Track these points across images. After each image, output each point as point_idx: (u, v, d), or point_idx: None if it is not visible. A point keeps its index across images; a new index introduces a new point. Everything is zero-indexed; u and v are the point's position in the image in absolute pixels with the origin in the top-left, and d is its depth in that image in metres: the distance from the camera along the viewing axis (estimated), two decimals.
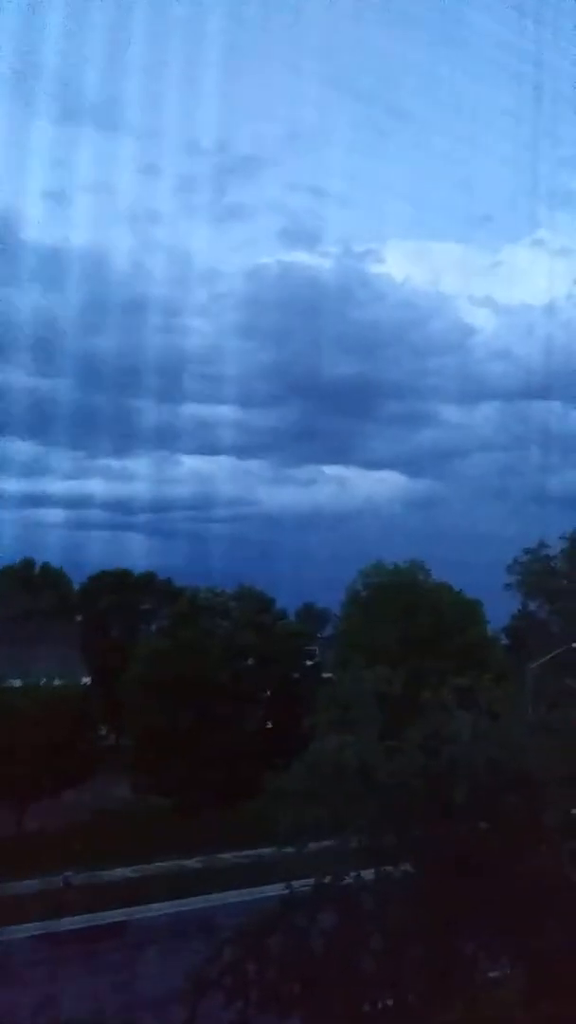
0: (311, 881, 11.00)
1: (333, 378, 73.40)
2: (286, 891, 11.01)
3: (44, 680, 32.85)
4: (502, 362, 79.77)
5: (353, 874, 11.05)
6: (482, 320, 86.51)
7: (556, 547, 46.98)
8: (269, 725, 34.07)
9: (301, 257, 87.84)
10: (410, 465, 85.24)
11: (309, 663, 38.81)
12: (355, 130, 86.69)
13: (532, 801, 11.03)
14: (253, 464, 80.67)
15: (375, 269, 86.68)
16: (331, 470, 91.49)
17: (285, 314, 75.41)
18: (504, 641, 45.52)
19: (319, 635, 47.44)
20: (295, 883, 11.10)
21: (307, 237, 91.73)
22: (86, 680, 38.24)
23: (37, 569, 54.46)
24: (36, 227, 67.15)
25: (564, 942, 10.11)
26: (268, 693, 34.98)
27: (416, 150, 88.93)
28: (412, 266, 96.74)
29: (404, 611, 35.15)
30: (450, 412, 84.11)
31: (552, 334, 78.21)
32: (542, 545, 46.78)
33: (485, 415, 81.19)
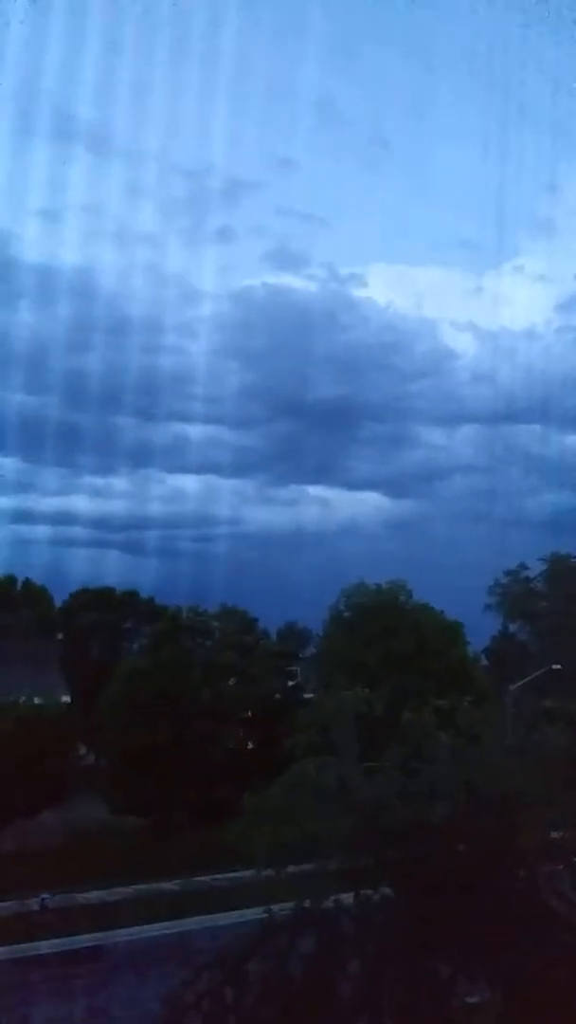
0: (290, 904, 10.97)
1: (317, 399, 73.69)
2: (265, 915, 10.96)
3: (22, 698, 32.57)
4: (483, 386, 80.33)
5: (332, 897, 11.01)
6: (464, 344, 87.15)
7: (536, 569, 47.27)
8: (249, 745, 33.92)
9: (287, 280, 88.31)
10: (392, 486, 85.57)
11: (290, 683, 38.70)
12: (341, 156, 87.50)
13: (510, 823, 11.06)
14: (237, 484, 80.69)
15: (359, 293, 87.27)
16: (314, 490, 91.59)
17: (270, 336, 75.79)
18: (484, 663, 45.58)
19: (300, 655, 47.28)
20: (274, 907, 11.05)
21: (293, 260, 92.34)
22: (66, 699, 37.95)
23: (19, 586, 54.10)
24: (22, 245, 67.29)
25: (541, 966, 10.11)
26: (248, 713, 34.84)
27: (400, 176, 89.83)
28: (395, 290, 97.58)
29: (385, 632, 35.15)
30: (432, 434, 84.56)
31: (532, 358, 79.04)
32: (522, 567, 47.02)
33: (466, 437, 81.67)
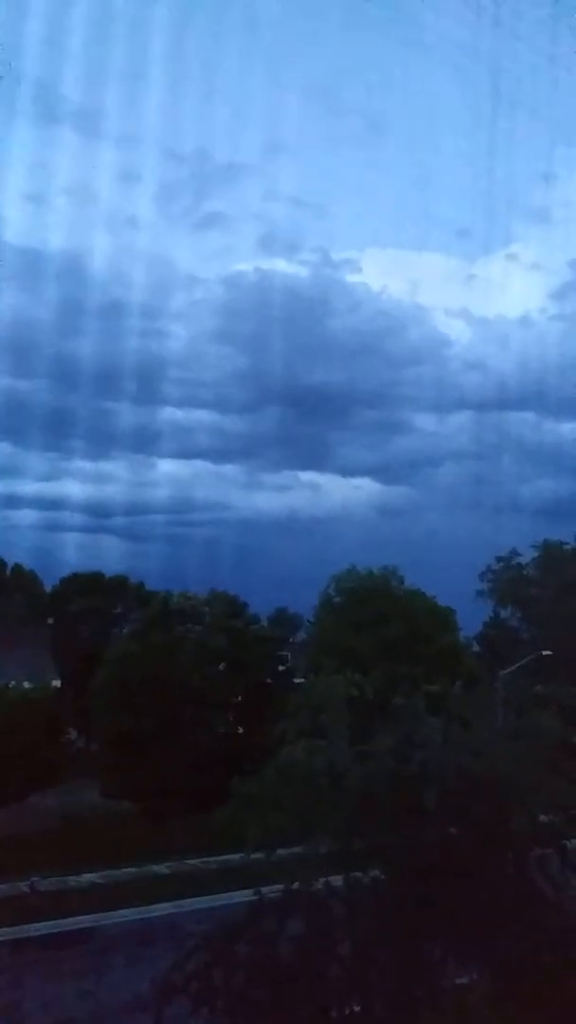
0: (280, 887, 10.96)
1: (309, 385, 73.63)
2: (255, 897, 10.95)
3: (12, 683, 32.54)
4: (476, 373, 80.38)
5: (322, 880, 11.01)
6: (457, 331, 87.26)
7: (528, 555, 47.42)
8: (240, 730, 33.96)
9: (279, 265, 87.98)
10: (384, 472, 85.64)
11: (281, 668, 38.74)
12: (335, 141, 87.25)
13: (501, 807, 11.06)
14: (228, 469, 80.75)
15: (352, 278, 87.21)
16: (306, 476, 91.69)
17: (262, 321, 75.53)
18: (476, 648, 45.74)
19: (291, 640, 47.36)
20: (264, 889, 11.05)
21: (285, 245, 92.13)
22: (56, 683, 37.93)
23: (8, 571, 53.98)
24: (13, 229, 66.80)
25: (531, 948, 10.14)
26: (239, 698, 34.86)
27: (395, 162, 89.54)
28: (389, 276, 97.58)
29: (376, 617, 35.21)
30: (424, 421, 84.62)
31: (525, 346, 78.95)
32: (514, 553, 47.18)
33: (459, 424, 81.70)
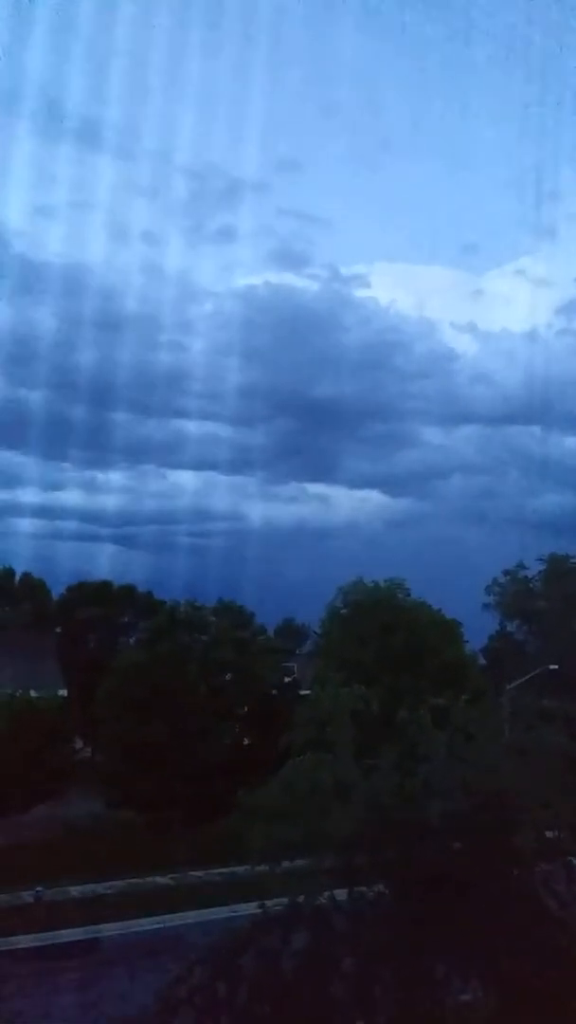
0: (284, 900, 10.96)
1: (318, 398, 73.86)
2: (259, 910, 10.95)
3: (19, 692, 32.55)
4: (483, 386, 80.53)
5: (327, 894, 11.01)
6: (464, 345, 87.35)
7: (534, 569, 47.32)
8: (245, 741, 33.89)
9: (289, 279, 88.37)
10: (392, 485, 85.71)
11: (287, 680, 38.68)
12: (345, 157, 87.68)
13: (506, 822, 11.05)
14: (237, 480, 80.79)
15: (361, 293, 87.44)
16: (314, 488, 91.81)
17: (272, 334, 75.88)
18: (482, 662, 45.60)
19: (298, 652, 47.30)
20: (269, 902, 11.05)
21: (295, 260, 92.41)
22: (62, 692, 37.92)
23: (17, 579, 54.10)
24: (26, 242, 67.35)
25: (534, 965, 10.11)
26: (245, 709, 34.81)
27: (404, 178, 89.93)
28: (397, 290, 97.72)
29: (383, 629, 35.14)
30: (432, 434, 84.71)
31: (532, 361, 79.08)
32: (520, 567, 47.06)
33: (466, 438, 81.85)
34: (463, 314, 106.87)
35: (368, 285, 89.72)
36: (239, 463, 78.39)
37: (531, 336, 79.93)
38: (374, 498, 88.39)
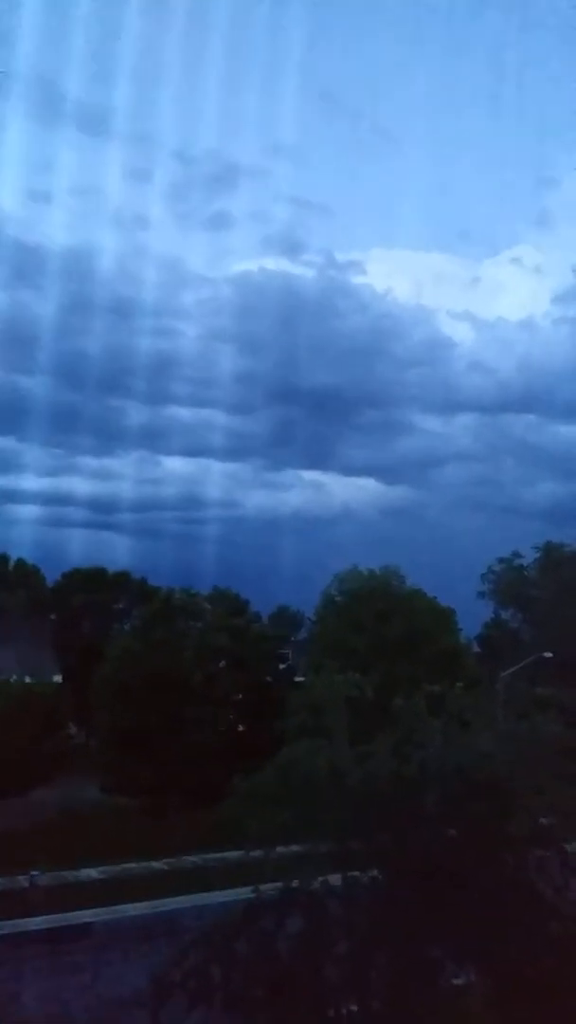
0: (279, 885, 10.99)
1: (314, 385, 73.71)
2: (253, 895, 10.98)
3: (13, 677, 32.58)
4: (479, 375, 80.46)
5: (321, 879, 11.04)
6: (461, 333, 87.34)
7: (529, 557, 47.36)
8: (240, 727, 33.98)
9: (284, 265, 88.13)
10: (387, 472, 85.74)
11: (282, 667, 38.77)
12: (342, 144, 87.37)
13: (500, 809, 11.08)
14: (232, 467, 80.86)
15: (357, 280, 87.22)
16: (309, 475, 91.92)
17: (267, 320, 75.69)
18: (476, 649, 45.71)
19: (293, 639, 47.36)
20: (263, 887, 11.08)
21: (291, 246, 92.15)
22: (57, 678, 37.97)
23: (11, 565, 54.04)
24: (21, 227, 67.03)
25: (529, 950, 10.16)
26: (240, 696, 34.89)
27: (401, 164, 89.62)
28: (394, 277, 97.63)
29: (378, 617, 35.20)
30: (428, 422, 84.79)
31: (529, 349, 79.02)
32: (516, 555, 47.12)
33: (462, 426, 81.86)
34: (460, 302, 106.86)
35: (364, 272, 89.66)
36: (234, 450, 78.46)
37: (527, 324, 79.92)
38: (370, 486, 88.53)
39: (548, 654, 37.14)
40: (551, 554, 46.37)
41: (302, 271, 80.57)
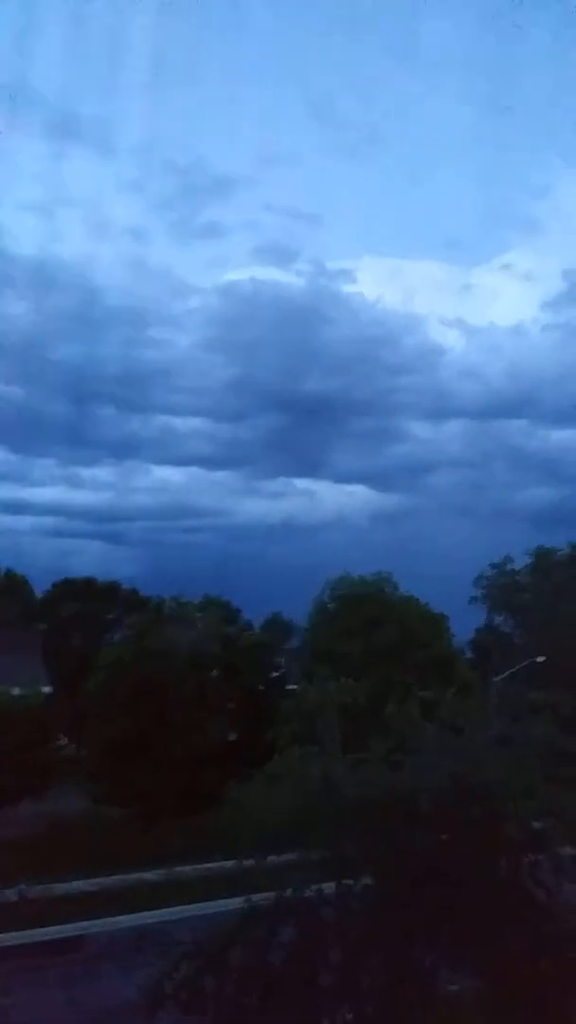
0: (272, 894, 10.90)
1: (305, 393, 73.79)
2: (246, 904, 10.89)
3: (3, 688, 32.35)
4: (470, 381, 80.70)
5: (314, 887, 10.95)
6: (452, 340, 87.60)
7: (521, 562, 47.37)
8: (232, 736, 33.83)
9: (275, 275, 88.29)
10: (379, 479, 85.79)
11: (274, 675, 38.62)
12: (332, 152, 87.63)
13: (493, 814, 11.02)
14: (223, 475, 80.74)
15: (348, 288, 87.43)
16: (301, 483, 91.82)
17: (258, 329, 75.80)
18: (469, 655, 45.65)
19: (285, 647, 47.20)
20: (256, 896, 10.98)
21: (282, 255, 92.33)
22: (47, 689, 37.71)
23: (0, 575, 53.73)
24: (10, 237, 67.02)
25: (523, 954, 10.09)
26: (232, 704, 34.73)
27: (391, 173, 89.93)
28: (384, 285, 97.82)
29: (370, 624, 35.12)
30: (419, 428, 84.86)
31: (519, 355, 79.38)
32: (507, 560, 47.08)
33: (454, 432, 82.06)
34: (450, 309, 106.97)
35: (355, 280, 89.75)
36: (225, 458, 78.36)
37: (517, 331, 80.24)
38: (361, 493, 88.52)
39: (541, 658, 37.13)
40: (542, 559, 46.38)
41: (293, 280, 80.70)
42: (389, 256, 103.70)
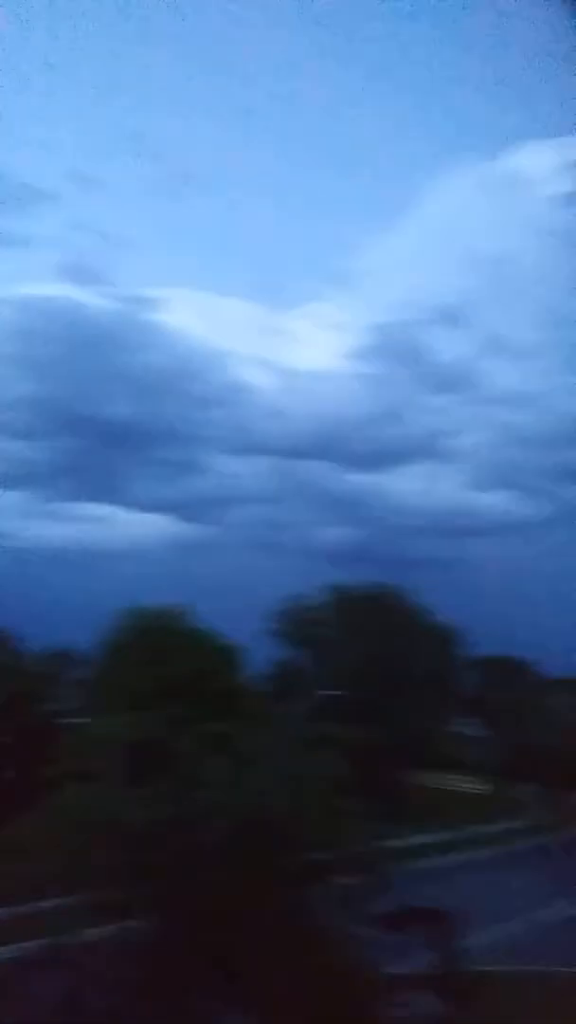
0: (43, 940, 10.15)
1: (105, 417, 72.30)
2: (17, 952, 10.06)
3: None
4: (275, 420, 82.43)
5: (90, 931, 10.30)
6: (259, 379, 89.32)
7: (318, 598, 48.37)
8: (7, 774, 31.91)
9: (79, 294, 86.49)
10: (180, 510, 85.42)
11: (56, 708, 36.97)
12: (148, 183, 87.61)
13: (279, 848, 10.85)
14: (11, 496, 77.33)
15: (157, 316, 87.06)
16: (98, 509, 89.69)
17: (57, 347, 73.63)
18: (263, 688, 45.86)
19: (71, 678, 45.39)
20: (28, 943, 10.19)
21: (87, 275, 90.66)
22: None
23: None
24: None
25: (301, 988, 9.89)
26: (7, 739, 32.83)
27: (205, 212, 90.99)
28: (194, 318, 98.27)
29: (162, 655, 34.42)
30: (223, 463, 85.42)
31: (323, 400, 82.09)
32: (304, 596, 47.97)
33: (257, 468, 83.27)
34: (259, 348, 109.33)
35: (165, 310, 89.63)
36: (15, 478, 75.07)
37: (323, 377, 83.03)
38: (161, 522, 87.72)
39: (333, 692, 37.87)
40: (338, 595, 47.64)
41: (98, 301, 79.29)
42: (200, 290, 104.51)
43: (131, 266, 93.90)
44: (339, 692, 37.81)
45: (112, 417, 73.77)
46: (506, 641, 48.75)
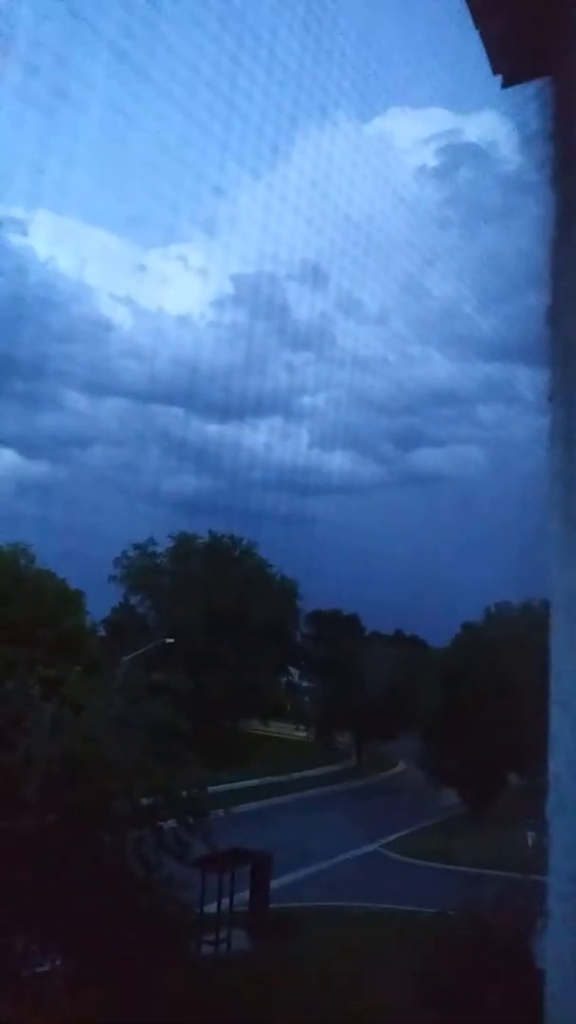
0: None
1: None
2: None
3: None
4: (133, 361, 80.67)
5: None
6: (120, 317, 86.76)
7: (163, 546, 48.50)
8: None
9: None
10: (27, 446, 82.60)
11: None
12: (17, 95, 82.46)
13: (103, 792, 11.17)
14: None
15: (16, 240, 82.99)
16: None
17: None
18: (102, 633, 45.79)
19: None
20: None
21: None
22: None
23: None
24: None
25: (114, 929, 10.33)
26: None
27: (79, 134, 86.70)
28: (57, 246, 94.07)
29: None
30: (76, 400, 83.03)
31: (182, 346, 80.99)
32: (150, 542, 48.00)
33: (111, 409, 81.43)
34: (122, 286, 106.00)
35: (25, 233, 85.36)
36: None
37: (184, 321, 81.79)
38: (6, 456, 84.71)
39: (170, 640, 38.30)
40: (183, 544, 47.90)
41: None
42: (67, 216, 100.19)
43: None
44: (174, 639, 38.29)
45: None
46: (340, 597, 50.44)
